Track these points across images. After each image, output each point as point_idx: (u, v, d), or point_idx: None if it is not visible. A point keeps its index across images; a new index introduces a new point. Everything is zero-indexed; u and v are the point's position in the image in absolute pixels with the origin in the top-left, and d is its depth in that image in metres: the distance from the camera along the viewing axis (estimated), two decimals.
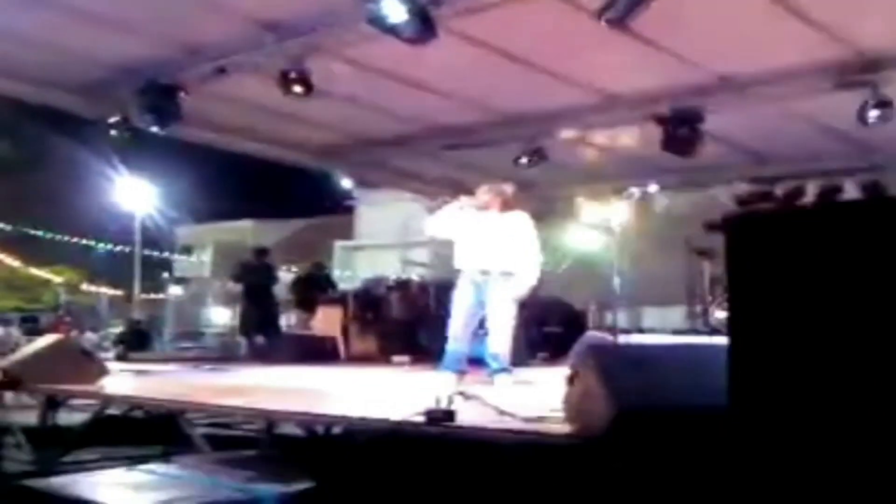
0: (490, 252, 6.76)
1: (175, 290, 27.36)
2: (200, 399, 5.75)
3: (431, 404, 3.91)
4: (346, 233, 29.95)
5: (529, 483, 3.41)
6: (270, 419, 5.77)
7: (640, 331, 12.68)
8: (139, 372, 8.49)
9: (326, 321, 12.53)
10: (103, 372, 6.75)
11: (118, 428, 6.47)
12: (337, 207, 26.91)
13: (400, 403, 4.59)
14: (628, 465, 3.06)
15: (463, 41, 7.84)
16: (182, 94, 8.95)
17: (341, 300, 13.01)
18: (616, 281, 10.17)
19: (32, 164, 31.43)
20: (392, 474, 3.85)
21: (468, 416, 3.98)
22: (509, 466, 3.50)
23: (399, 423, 3.94)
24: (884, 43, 7.86)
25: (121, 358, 11.48)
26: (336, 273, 21.87)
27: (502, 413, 4.05)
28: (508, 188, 7.09)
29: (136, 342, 14.27)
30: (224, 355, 13.17)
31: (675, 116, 9.37)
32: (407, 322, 12.12)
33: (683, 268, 12.44)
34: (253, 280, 13.94)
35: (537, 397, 4.91)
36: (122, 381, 7.24)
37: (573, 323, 11.28)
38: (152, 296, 26.93)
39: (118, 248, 28.26)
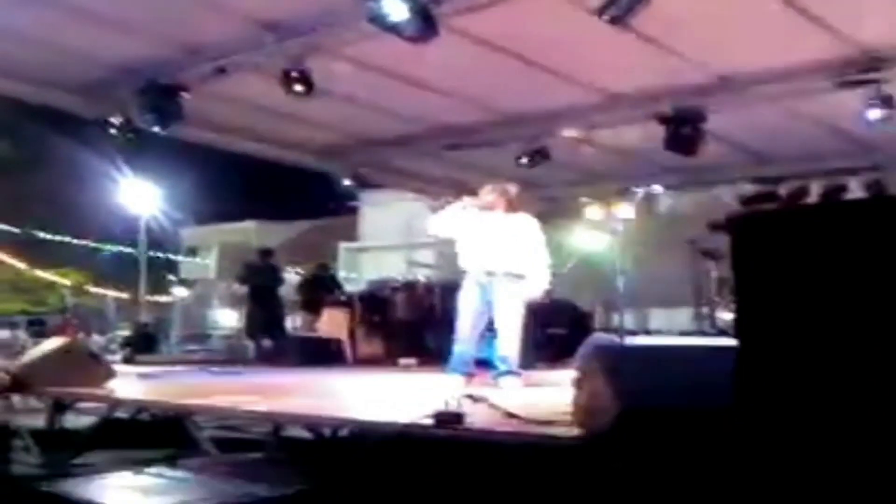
0: (495, 253, 6.74)
1: (181, 292, 27.35)
2: (207, 402, 5.76)
3: (439, 407, 3.91)
4: (350, 233, 29.96)
5: (538, 486, 3.42)
6: (277, 422, 5.77)
7: (647, 332, 12.67)
8: (146, 375, 8.50)
9: (332, 323, 12.53)
10: (111, 375, 6.75)
11: (126, 431, 6.47)
12: (340, 208, 26.90)
13: (407, 406, 4.60)
14: (635, 467, 3.06)
15: (464, 40, 7.84)
16: (183, 94, 8.97)
17: (347, 302, 13.01)
18: (621, 282, 10.16)
19: (36, 165, 31.42)
20: (400, 477, 3.86)
21: (476, 418, 3.98)
22: (518, 469, 3.51)
23: (407, 426, 3.94)
24: (887, 41, 7.85)
25: (128, 361, 11.51)
26: (342, 275, 21.87)
27: (510, 415, 4.05)
28: (512, 188, 7.07)
29: (143, 345, 14.28)
30: (231, 358, 13.15)
31: (678, 115, 9.38)
32: (413, 324, 12.13)
33: (689, 269, 12.42)
34: (258, 281, 13.96)
35: (545, 400, 4.91)
36: (130, 383, 7.25)
37: (579, 325, 11.26)
38: (158, 298, 26.92)
39: (124, 250, 28.30)
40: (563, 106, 9.91)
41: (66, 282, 24.05)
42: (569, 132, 10.54)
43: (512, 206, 6.96)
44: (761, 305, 2.79)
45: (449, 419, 3.83)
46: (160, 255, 30.01)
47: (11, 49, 8.32)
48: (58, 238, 28.62)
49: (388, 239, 25.99)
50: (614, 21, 6.64)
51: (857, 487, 2.49)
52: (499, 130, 10.82)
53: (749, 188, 12.07)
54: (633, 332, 11.47)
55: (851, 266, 2.59)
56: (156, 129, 9.27)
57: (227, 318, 24.60)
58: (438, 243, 13.67)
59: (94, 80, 9.16)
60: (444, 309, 10.32)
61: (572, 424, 3.59)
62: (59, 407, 6.66)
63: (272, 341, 12.97)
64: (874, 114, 8.48)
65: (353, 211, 28.95)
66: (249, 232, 33.76)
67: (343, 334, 12.08)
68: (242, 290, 14.87)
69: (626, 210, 11.34)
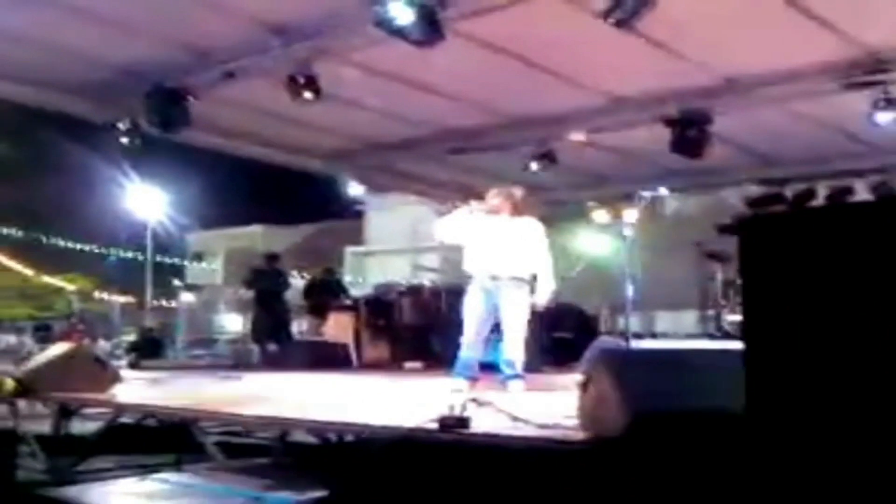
0: (500, 257, 6.72)
1: (187, 297, 27.37)
2: (213, 407, 5.75)
3: (444, 411, 3.90)
4: (356, 237, 29.97)
5: (544, 490, 3.40)
6: (283, 427, 5.76)
7: (653, 335, 12.64)
8: (152, 380, 8.50)
9: (338, 327, 12.52)
10: (116, 380, 6.76)
11: (131, 436, 6.47)
12: (346, 212, 26.90)
13: (413, 410, 4.58)
14: (643, 470, 3.04)
15: (470, 43, 7.85)
16: (190, 99, 8.98)
17: (353, 306, 13.01)
18: (628, 285, 10.13)
19: (43, 170, 31.52)
20: (405, 481, 3.84)
21: (482, 422, 3.97)
22: (524, 473, 3.49)
23: (412, 431, 3.93)
24: (893, 43, 7.83)
25: (134, 366, 11.52)
26: (347, 279, 21.88)
27: (516, 419, 4.04)
28: (518, 191, 7.04)
29: (149, 350, 14.28)
30: (237, 362, 13.17)
31: (684, 118, 9.36)
32: (419, 328, 12.11)
33: (695, 271, 12.40)
34: (264, 286, 13.95)
35: (551, 403, 4.89)
36: (135, 389, 7.25)
37: (585, 328, 11.23)
38: (164, 303, 26.96)
39: (130, 256, 28.33)
40: (568, 109, 9.91)
41: (73, 287, 24.05)
42: (575, 135, 10.53)
43: (517, 210, 6.93)
44: (769, 307, 2.77)
45: (454, 423, 3.81)
46: (167, 260, 30.04)
47: (15, 52, 8.34)
48: (62, 243, 28.65)
49: (394, 243, 26.00)
50: (619, 24, 6.63)
51: (867, 491, 2.47)
52: (505, 134, 10.82)
53: (755, 190, 12.06)
54: (639, 336, 11.43)
55: (859, 268, 2.58)
56: (163, 133, 9.28)
57: (233, 323, 24.64)
58: (444, 247, 13.69)
59: (102, 84, 9.18)
60: (450, 313, 10.29)
61: (578, 428, 3.57)
62: (65, 412, 6.66)
63: (278, 345, 12.97)
64: (884, 116, 8.45)
65: (359, 215, 28.95)
66: (256, 236, 33.84)
67: (349, 338, 12.07)
68: (248, 294, 14.88)
69: (631, 213, 11.31)
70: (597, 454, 3.26)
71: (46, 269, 28.20)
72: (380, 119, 10.48)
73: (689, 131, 9.41)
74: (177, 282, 28.93)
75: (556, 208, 12.65)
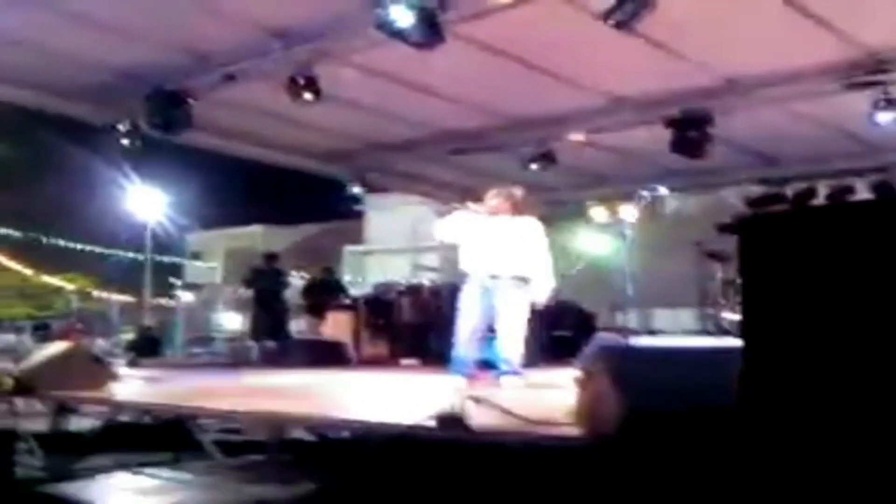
0: (500, 256, 6.73)
1: (186, 296, 27.35)
2: (211, 405, 5.74)
3: (442, 408, 3.89)
4: (356, 237, 29.96)
5: (541, 486, 3.39)
6: (280, 424, 5.75)
7: (651, 332, 12.64)
8: (150, 378, 8.48)
9: (336, 327, 12.53)
10: (114, 378, 6.74)
11: (129, 434, 6.45)
12: (346, 212, 26.85)
13: (410, 407, 4.58)
14: (640, 467, 3.04)
15: (470, 45, 7.86)
16: (190, 101, 8.98)
17: (352, 306, 13.01)
18: (627, 283, 10.14)
19: (44, 171, 31.53)
20: (403, 479, 3.84)
21: (479, 419, 3.96)
22: (521, 469, 3.48)
23: (409, 428, 3.93)
24: (893, 43, 7.83)
25: (132, 364, 11.49)
26: (346, 278, 21.86)
27: (513, 416, 4.03)
28: (518, 191, 7.05)
29: (148, 348, 14.29)
30: (235, 360, 13.15)
31: (685, 118, 9.36)
32: (418, 326, 12.12)
33: (694, 270, 12.40)
34: (264, 285, 13.96)
35: (549, 400, 4.88)
36: (133, 387, 7.24)
37: (583, 326, 11.25)
38: (163, 302, 26.93)
39: (130, 255, 28.33)
40: (568, 109, 9.91)
41: (73, 287, 24.03)
42: (575, 136, 10.53)
43: (517, 210, 6.94)
44: (768, 306, 2.77)
45: (451, 420, 3.80)
46: (166, 259, 30.03)
47: (15, 55, 8.34)
48: (62, 243, 28.65)
49: (394, 243, 25.99)
50: (620, 26, 6.63)
51: (863, 489, 2.47)
52: (504, 135, 10.82)
53: (755, 190, 12.06)
54: (637, 332, 11.44)
55: (859, 267, 2.58)
56: (164, 135, 9.28)
57: (232, 322, 24.59)
58: (443, 247, 13.66)
59: (102, 87, 9.18)
60: (449, 312, 10.26)
61: (576, 425, 3.56)
62: (63, 410, 6.65)
63: (277, 344, 12.96)
64: (884, 116, 8.46)
65: (359, 215, 28.89)
66: (255, 236, 33.82)
67: (347, 338, 12.08)
68: (248, 293, 14.89)
69: (631, 213, 11.32)
70: (595, 451, 3.25)
71: (46, 269, 28.20)
72: (380, 120, 10.49)
73: (690, 132, 9.42)
74: (176, 281, 28.91)
75: (556, 208, 12.65)
